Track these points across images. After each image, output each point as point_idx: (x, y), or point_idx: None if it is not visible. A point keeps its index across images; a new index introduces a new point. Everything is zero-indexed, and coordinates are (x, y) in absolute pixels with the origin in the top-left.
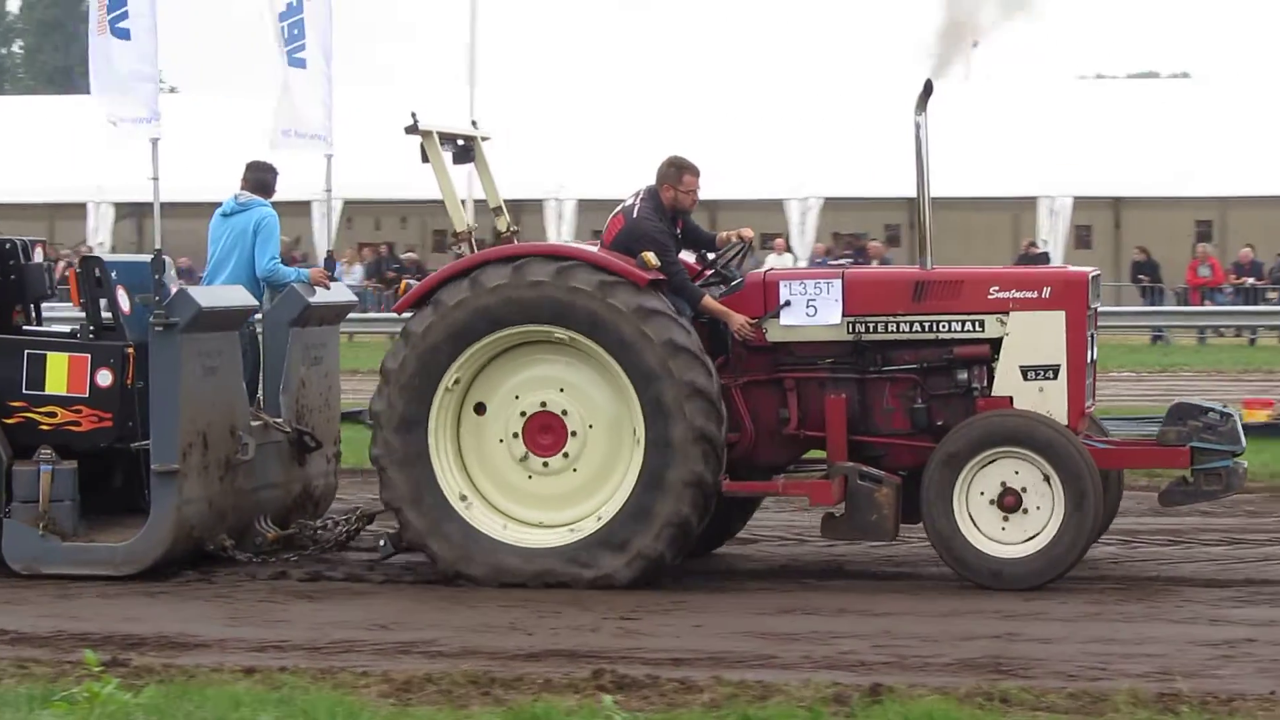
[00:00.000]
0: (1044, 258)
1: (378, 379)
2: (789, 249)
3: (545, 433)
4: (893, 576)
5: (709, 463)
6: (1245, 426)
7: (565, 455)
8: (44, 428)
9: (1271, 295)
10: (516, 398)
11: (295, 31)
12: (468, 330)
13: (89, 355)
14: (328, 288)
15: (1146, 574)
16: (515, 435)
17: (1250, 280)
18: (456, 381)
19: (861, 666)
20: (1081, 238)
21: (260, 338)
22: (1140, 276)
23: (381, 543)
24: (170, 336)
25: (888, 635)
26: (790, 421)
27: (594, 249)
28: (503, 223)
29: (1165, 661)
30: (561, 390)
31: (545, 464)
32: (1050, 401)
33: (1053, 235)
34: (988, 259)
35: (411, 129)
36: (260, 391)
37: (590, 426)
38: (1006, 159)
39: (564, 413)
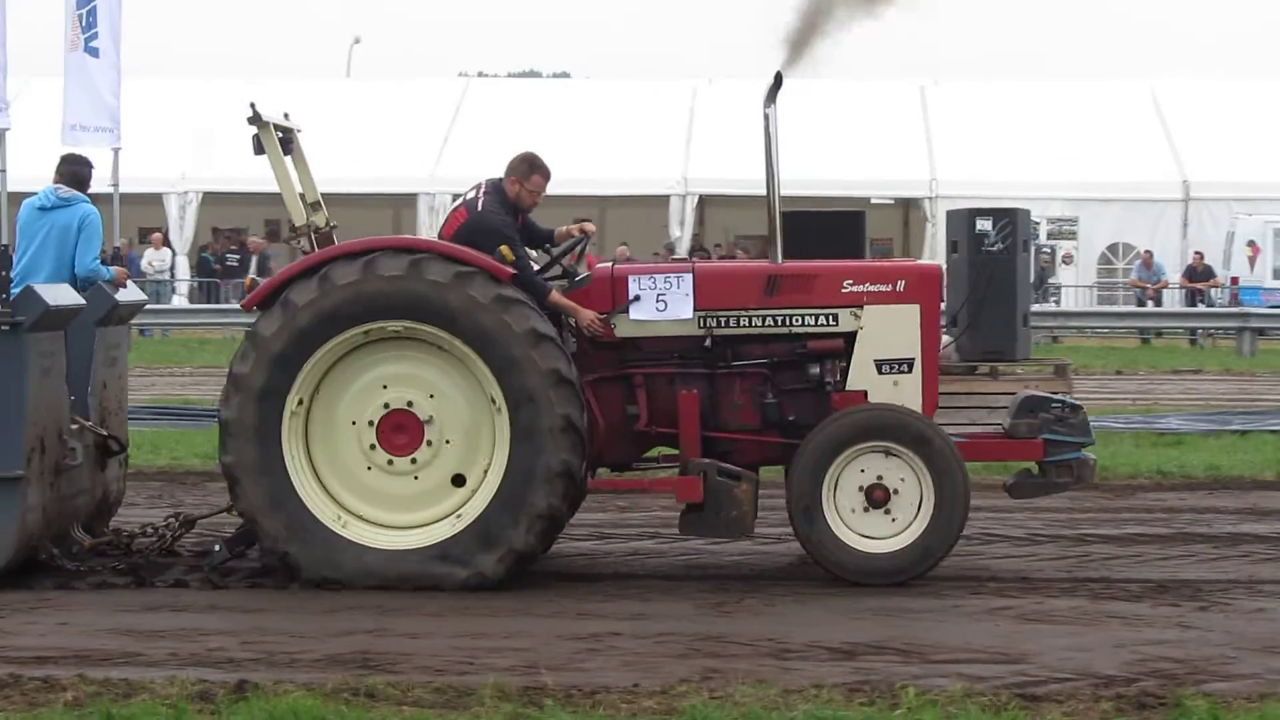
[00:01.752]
0: None
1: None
2: (167, 243)
3: (399, 432)
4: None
5: (576, 451)
6: None
7: (423, 452)
8: None
9: None
10: (367, 399)
11: (90, 19)
12: (348, 315)
13: None
14: (126, 286)
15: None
16: (371, 435)
17: None
18: (305, 390)
19: (230, 663)
20: None
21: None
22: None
23: (216, 548)
24: (16, 336)
25: (258, 632)
26: (640, 418)
27: (445, 243)
28: (321, 218)
29: (532, 655)
30: (415, 388)
31: (397, 463)
32: (905, 395)
33: (434, 232)
34: None
35: (253, 119)
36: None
37: (446, 422)
38: (388, 155)
39: (415, 407)
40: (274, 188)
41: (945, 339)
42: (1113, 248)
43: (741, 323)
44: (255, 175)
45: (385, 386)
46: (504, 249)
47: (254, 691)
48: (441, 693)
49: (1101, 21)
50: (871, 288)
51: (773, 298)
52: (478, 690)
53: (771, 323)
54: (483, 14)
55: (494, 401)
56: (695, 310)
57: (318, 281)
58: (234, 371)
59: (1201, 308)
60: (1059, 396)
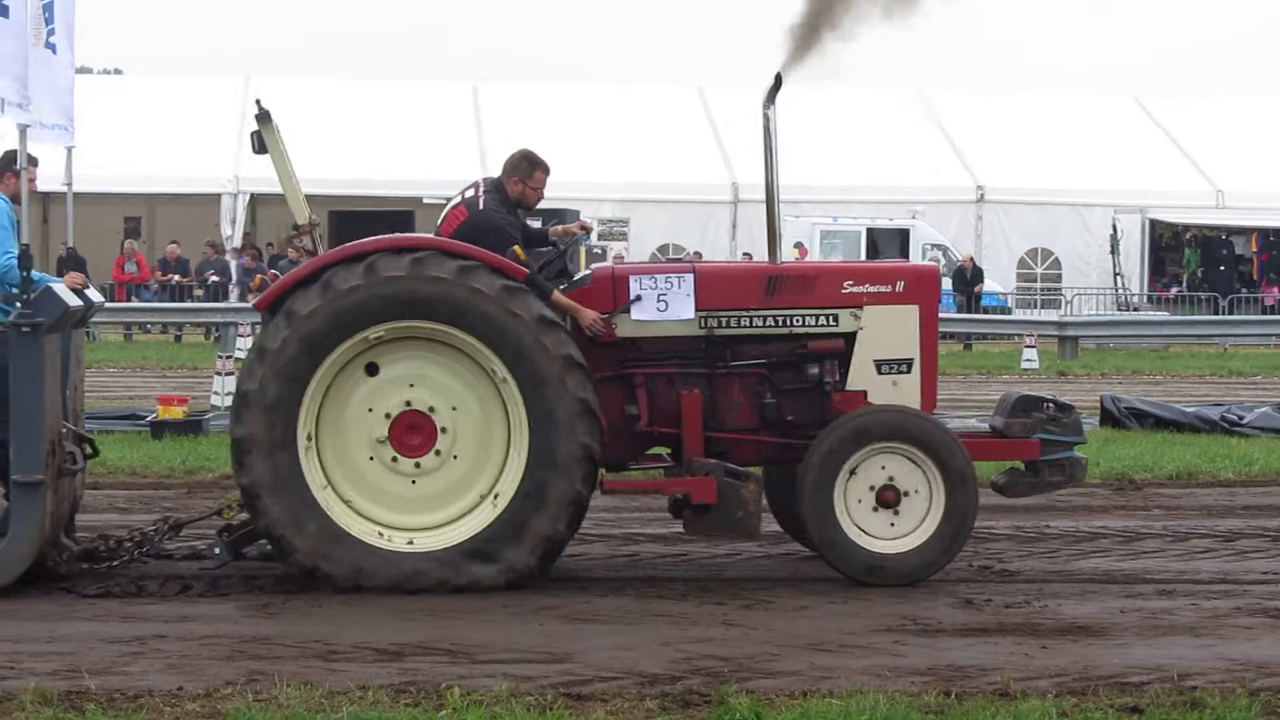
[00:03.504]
0: None
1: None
2: None
3: (413, 433)
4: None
5: (588, 481)
6: (162, 423)
7: (436, 454)
8: None
9: (199, 292)
10: (381, 398)
11: (47, 15)
12: (353, 319)
13: None
14: (87, 287)
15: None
16: (384, 436)
17: (176, 277)
18: (325, 377)
19: None
20: None
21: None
22: (64, 271)
23: (217, 550)
24: (35, 338)
25: None
26: (640, 418)
27: (446, 239)
28: (303, 214)
29: (75, 659)
30: (425, 387)
31: (407, 463)
32: (904, 395)
33: None
34: None
35: (262, 116)
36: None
37: (458, 418)
38: None
39: (431, 409)
40: None
41: None
42: (663, 248)
43: (742, 323)
44: None
45: (412, 385)
46: (517, 249)
47: None
48: None
49: (647, 26)
50: (871, 288)
51: (773, 298)
52: (18, 695)
53: (772, 323)
54: None
55: (507, 394)
56: (696, 310)
57: (320, 289)
58: (243, 389)
59: None
60: (1050, 397)
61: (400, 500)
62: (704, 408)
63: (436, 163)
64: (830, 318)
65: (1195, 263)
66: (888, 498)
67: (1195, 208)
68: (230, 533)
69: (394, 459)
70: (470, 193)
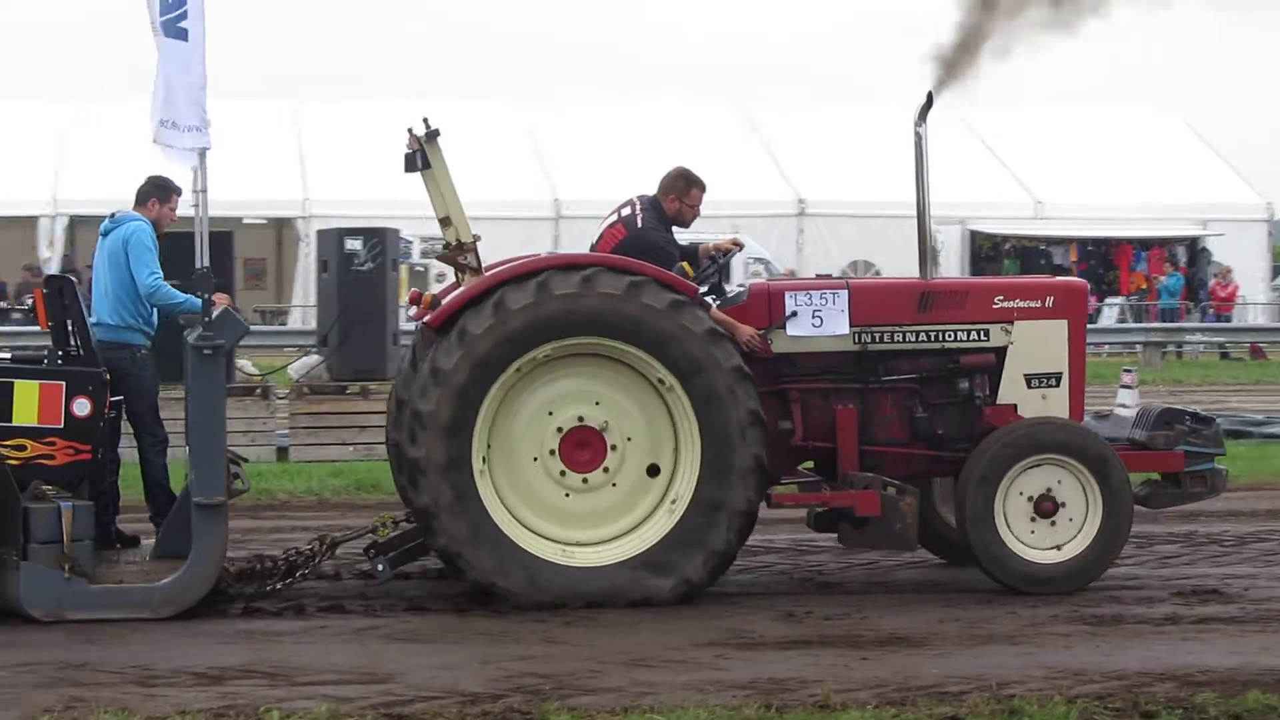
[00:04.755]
0: None
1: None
2: None
3: (583, 448)
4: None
5: (760, 492)
6: None
7: (604, 470)
8: (12, 462)
9: (16, 316)
10: (549, 414)
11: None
12: (526, 336)
13: (63, 383)
14: (236, 309)
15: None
16: (552, 452)
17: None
18: (497, 395)
19: None
20: None
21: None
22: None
23: (380, 567)
24: (215, 360)
25: None
26: (795, 432)
27: (612, 255)
28: (455, 233)
29: None
30: (595, 404)
31: (584, 480)
32: (1052, 408)
33: None
34: None
35: (431, 136)
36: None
37: (627, 443)
38: None
39: (603, 426)
40: None
41: (315, 358)
42: (490, 267)
43: (895, 338)
44: None
45: (550, 413)
46: (685, 265)
47: None
48: None
49: (473, 39)
50: (1022, 303)
51: (925, 313)
52: None
53: (924, 338)
54: None
55: (676, 407)
56: (850, 326)
57: (492, 308)
58: (418, 409)
59: None
60: (1191, 409)
61: (570, 514)
62: (857, 422)
63: (257, 184)
64: (981, 332)
65: (1015, 272)
66: (1045, 509)
67: (1014, 218)
68: (383, 550)
69: (562, 473)
70: (626, 211)
